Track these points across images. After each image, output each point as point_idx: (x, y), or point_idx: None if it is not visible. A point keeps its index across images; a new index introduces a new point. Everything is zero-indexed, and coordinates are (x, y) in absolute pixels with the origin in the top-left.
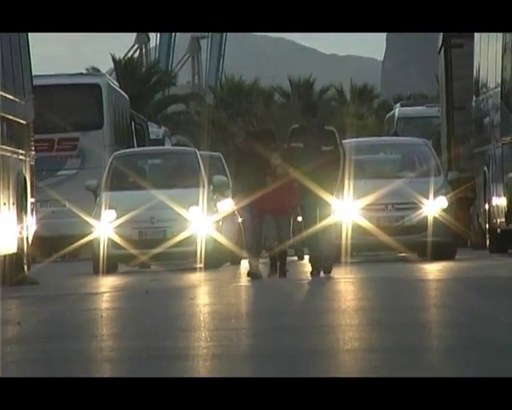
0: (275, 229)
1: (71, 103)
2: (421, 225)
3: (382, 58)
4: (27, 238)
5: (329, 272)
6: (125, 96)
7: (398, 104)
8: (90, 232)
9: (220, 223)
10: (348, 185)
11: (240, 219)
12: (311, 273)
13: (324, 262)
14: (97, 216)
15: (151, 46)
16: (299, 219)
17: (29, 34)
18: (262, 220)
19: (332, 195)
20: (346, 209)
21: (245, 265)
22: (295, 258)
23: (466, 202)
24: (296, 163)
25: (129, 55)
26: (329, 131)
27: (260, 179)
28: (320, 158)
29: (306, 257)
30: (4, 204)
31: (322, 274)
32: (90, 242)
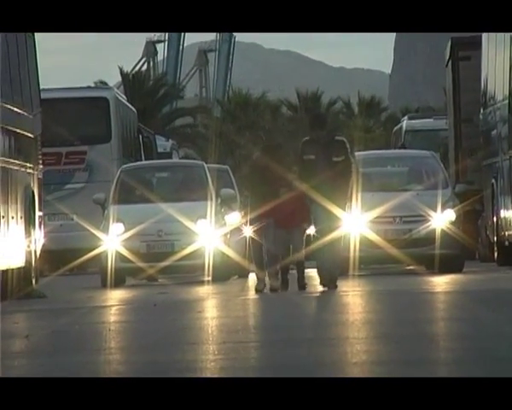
0: (286, 243)
1: (78, 117)
2: (429, 238)
3: (390, 71)
4: (35, 252)
5: (334, 287)
6: (133, 109)
7: (406, 117)
8: (98, 246)
9: (228, 236)
10: (356, 198)
11: (250, 233)
12: (323, 285)
13: (328, 275)
14: (105, 229)
15: (159, 59)
16: (309, 231)
17: (37, 47)
18: (274, 232)
19: (344, 206)
20: (354, 222)
21: (253, 278)
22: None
23: (474, 215)
24: (308, 175)
25: (137, 68)
26: (340, 142)
27: (275, 193)
28: (331, 169)
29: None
30: (12, 218)
31: (323, 287)
32: (98, 255)
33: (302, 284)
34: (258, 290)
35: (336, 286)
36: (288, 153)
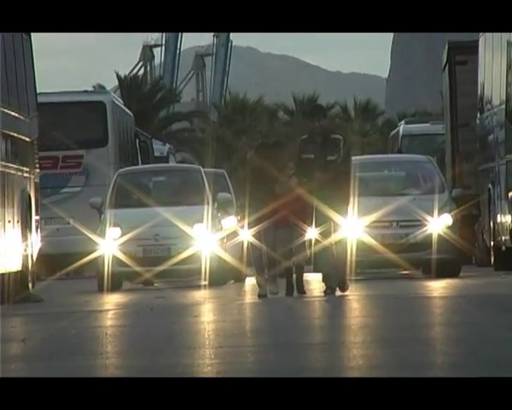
0: (287, 244)
1: (75, 121)
2: (426, 243)
3: (387, 75)
4: (32, 256)
5: (345, 289)
6: (130, 113)
7: (403, 121)
8: (95, 250)
9: (225, 240)
10: (353, 203)
11: (248, 236)
12: (325, 292)
13: (338, 279)
14: (102, 233)
15: (156, 63)
16: (309, 235)
17: (34, 51)
18: (273, 234)
19: (342, 208)
20: (351, 227)
21: (250, 282)
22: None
23: (470, 220)
24: (306, 175)
25: (133, 72)
26: (335, 140)
27: (272, 191)
28: (327, 169)
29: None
30: (9, 222)
31: (338, 292)
32: (95, 259)
33: (301, 288)
34: (261, 296)
35: (346, 289)
36: (287, 149)
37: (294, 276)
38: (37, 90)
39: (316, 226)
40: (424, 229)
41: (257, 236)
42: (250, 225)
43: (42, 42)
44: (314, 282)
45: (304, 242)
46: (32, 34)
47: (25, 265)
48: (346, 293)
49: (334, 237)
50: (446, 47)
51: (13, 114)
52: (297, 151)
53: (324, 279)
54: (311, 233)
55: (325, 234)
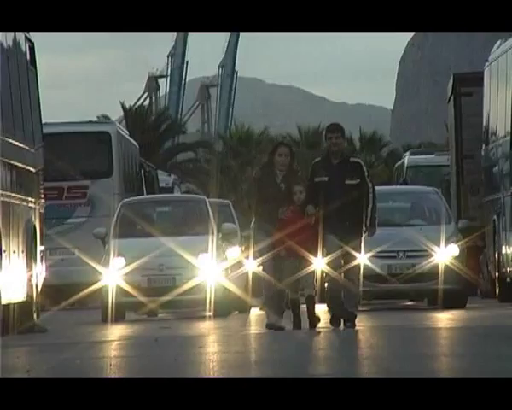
0: (296, 275)
1: (80, 151)
2: (433, 273)
3: (392, 106)
4: (36, 286)
5: (353, 324)
6: (135, 144)
7: (408, 153)
8: (99, 280)
9: (229, 271)
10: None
11: (257, 265)
12: (331, 323)
13: (346, 311)
14: (106, 264)
15: (161, 94)
16: (318, 264)
17: (39, 81)
18: (281, 264)
19: (358, 238)
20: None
21: (254, 313)
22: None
23: (475, 251)
24: (321, 200)
25: (139, 103)
26: (355, 163)
27: (278, 212)
28: (345, 193)
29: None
30: (14, 252)
31: (342, 326)
32: (99, 289)
33: (313, 320)
34: (270, 327)
35: (353, 324)
36: (293, 158)
37: (302, 308)
38: (43, 121)
39: (325, 256)
40: (431, 259)
41: (265, 265)
42: (257, 255)
43: (47, 73)
44: (321, 313)
45: (312, 272)
46: (38, 65)
47: (29, 295)
48: (356, 327)
49: (344, 268)
50: (451, 78)
51: (18, 144)
52: (309, 175)
53: (335, 314)
54: (320, 263)
55: (335, 265)
